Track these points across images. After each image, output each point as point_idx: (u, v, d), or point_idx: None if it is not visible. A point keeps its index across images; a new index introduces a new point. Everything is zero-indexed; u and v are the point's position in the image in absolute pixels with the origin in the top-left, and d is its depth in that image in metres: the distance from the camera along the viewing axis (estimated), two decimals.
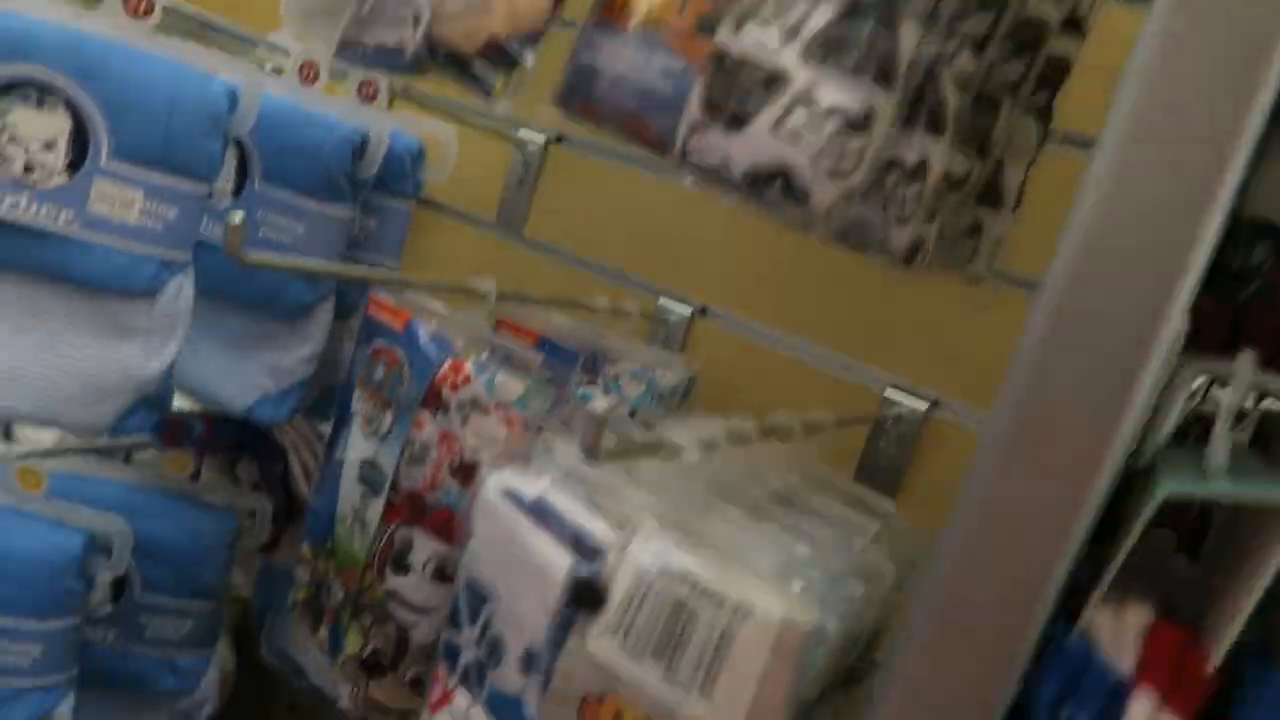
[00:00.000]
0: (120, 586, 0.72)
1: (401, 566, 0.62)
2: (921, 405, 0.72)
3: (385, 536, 0.63)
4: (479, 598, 0.49)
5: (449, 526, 0.61)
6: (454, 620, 0.51)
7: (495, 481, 0.51)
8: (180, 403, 0.76)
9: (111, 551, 0.69)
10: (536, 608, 0.45)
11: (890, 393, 0.73)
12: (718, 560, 0.41)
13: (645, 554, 0.42)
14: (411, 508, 0.62)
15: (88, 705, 0.74)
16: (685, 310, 0.83)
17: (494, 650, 0.47)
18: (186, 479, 0.76)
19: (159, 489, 0.74)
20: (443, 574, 0.61)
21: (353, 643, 0.66)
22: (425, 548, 0.62)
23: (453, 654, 0.51)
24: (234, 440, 0.79)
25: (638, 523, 0.44)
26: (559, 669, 0.43)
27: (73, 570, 0.67)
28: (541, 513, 0.47)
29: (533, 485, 0.49)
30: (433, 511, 0.62)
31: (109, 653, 0.74)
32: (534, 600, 0.45)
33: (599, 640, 0.42)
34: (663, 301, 0.84)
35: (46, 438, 0.81)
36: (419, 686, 0.64)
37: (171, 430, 0.77)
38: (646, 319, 0.83)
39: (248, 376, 0.74)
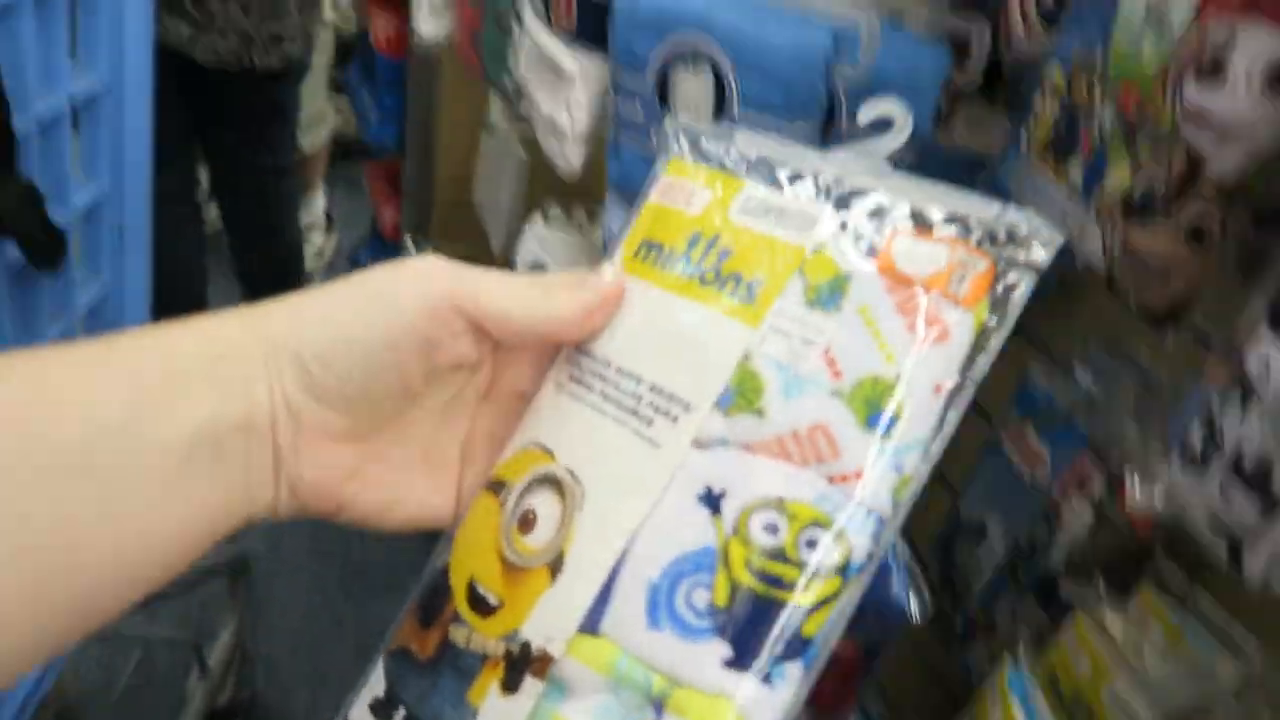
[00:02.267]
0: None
1: (1213, 74, 0.46)
2: None
3: (1192, 35, 0.47)
4: None
5: None
6: None
7: None
8: None
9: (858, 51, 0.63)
10: None
11: None
12: None
13: None
14: None
15: None
16: None
17: None
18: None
19: (875, 9, 0.66)
20: (1278, 81, 0.44)
21: (1118, 177, 0.52)
22: (1255, 45, 0.45)
23: None
24: None
25: None
26: None
27: (819, 69, 0.63)
28: None
29: None
30: None
31: None
32: None
33: None
34: None
35: None
36: (1200, 239, 0.49)
37: None
38: None
39: None
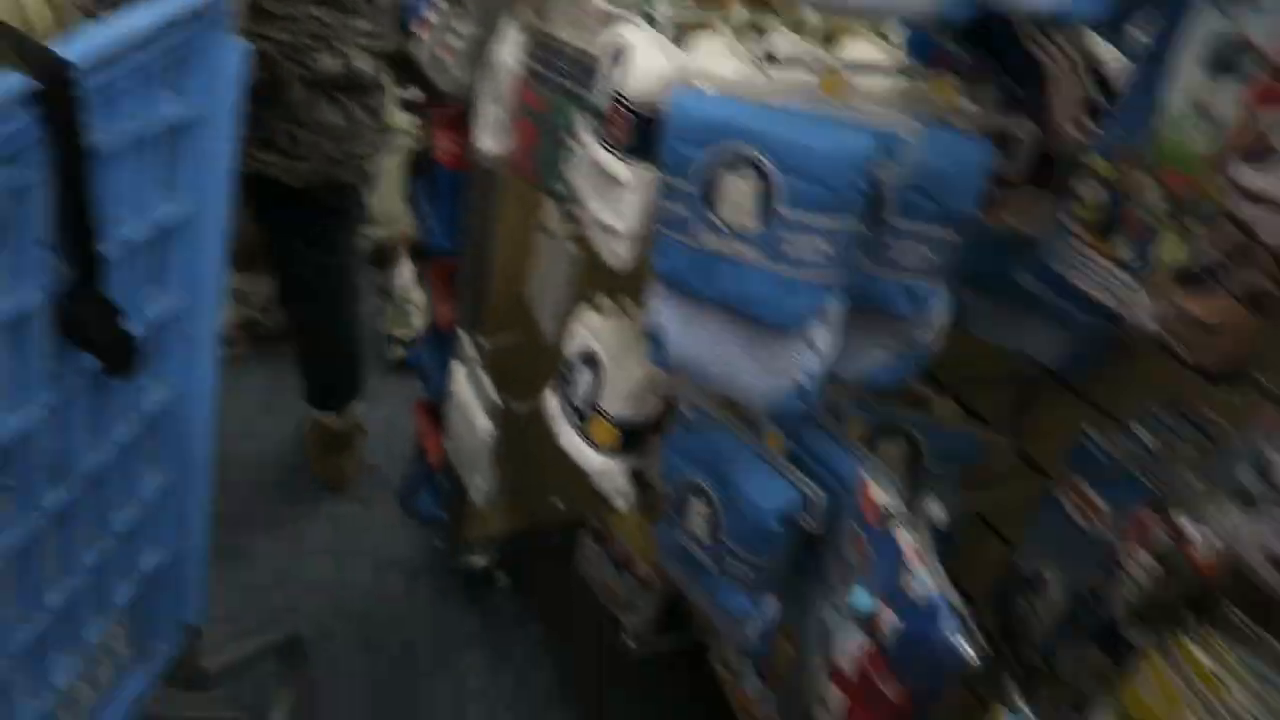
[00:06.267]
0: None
1: (1264, 156, 0.52)
2: None
3: (1243, 124, 0.53)
4: None
5: None
6: None
7: None
8: None
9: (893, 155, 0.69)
10: None
11: None
12: None
13: None
14: None
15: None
16: None
17: None
18: (953, 104, 0.74)
19: (925, 113, 0.72)
20: None
21: (1169, 250, 0.58)
22: None
23: None
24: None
25: None
26: None
27: (858, 168, 0.70)
28: None
29: None
30: None
31: (860, 274, 0.76)
32: None
33: None
34: None
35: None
36: (1257, 303, 0.54)
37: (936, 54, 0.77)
38: None
39: None
